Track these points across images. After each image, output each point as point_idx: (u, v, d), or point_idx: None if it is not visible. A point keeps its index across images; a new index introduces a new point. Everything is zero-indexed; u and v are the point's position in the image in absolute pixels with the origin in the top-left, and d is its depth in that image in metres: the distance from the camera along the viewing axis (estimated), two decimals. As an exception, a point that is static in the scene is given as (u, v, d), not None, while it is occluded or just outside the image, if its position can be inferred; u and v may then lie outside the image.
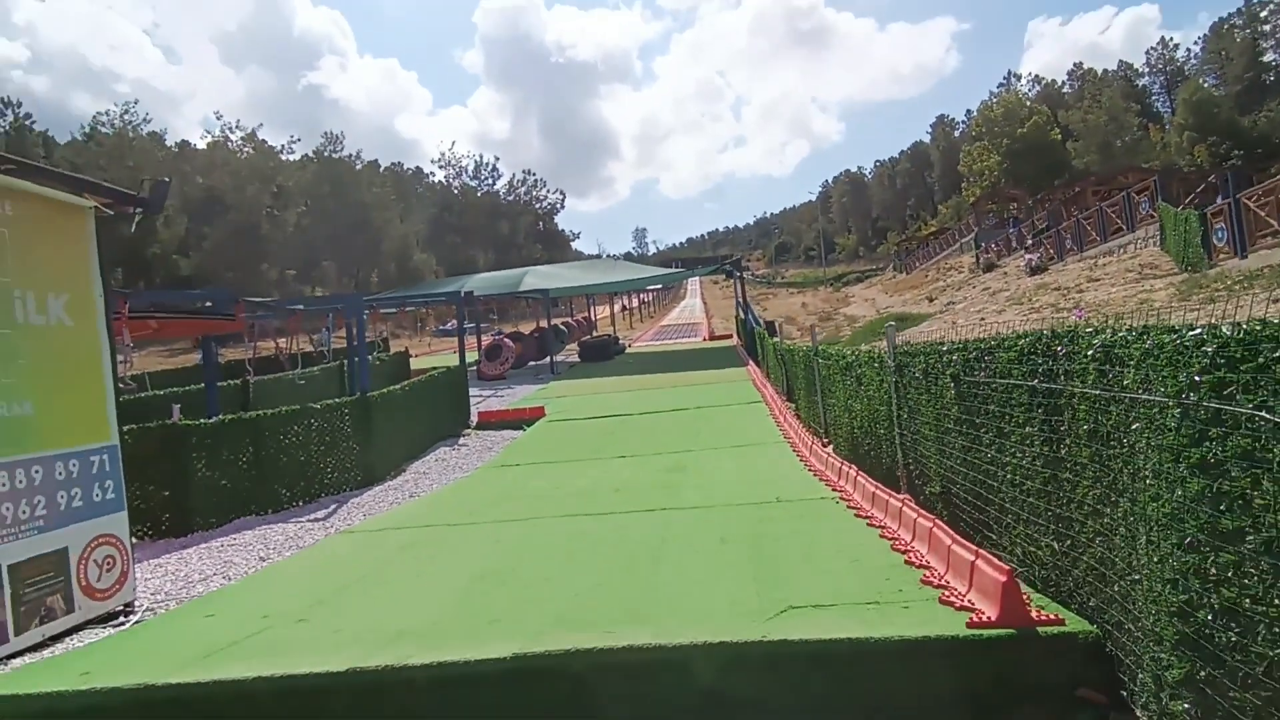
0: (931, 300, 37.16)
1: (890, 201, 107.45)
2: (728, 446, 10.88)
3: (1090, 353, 3.21)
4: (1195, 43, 79.39)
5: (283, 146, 79.46)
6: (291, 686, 3.35)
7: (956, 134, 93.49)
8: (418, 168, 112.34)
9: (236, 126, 76.75)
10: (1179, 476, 2.48)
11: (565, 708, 3.15)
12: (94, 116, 79.58)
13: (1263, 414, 2.11)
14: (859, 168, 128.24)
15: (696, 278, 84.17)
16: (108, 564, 6.25)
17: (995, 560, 3.45)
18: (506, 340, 25.88)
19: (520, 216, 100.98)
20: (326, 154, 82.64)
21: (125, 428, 10.36)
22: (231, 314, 11.03)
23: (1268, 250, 16.10)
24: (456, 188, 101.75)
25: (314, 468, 10.79)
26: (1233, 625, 2.23)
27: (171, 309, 11.39)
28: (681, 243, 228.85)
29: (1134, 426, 2.85)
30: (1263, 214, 16.38)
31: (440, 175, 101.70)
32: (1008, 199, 56.76)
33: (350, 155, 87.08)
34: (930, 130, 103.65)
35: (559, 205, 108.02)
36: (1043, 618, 3.08)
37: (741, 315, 28.95)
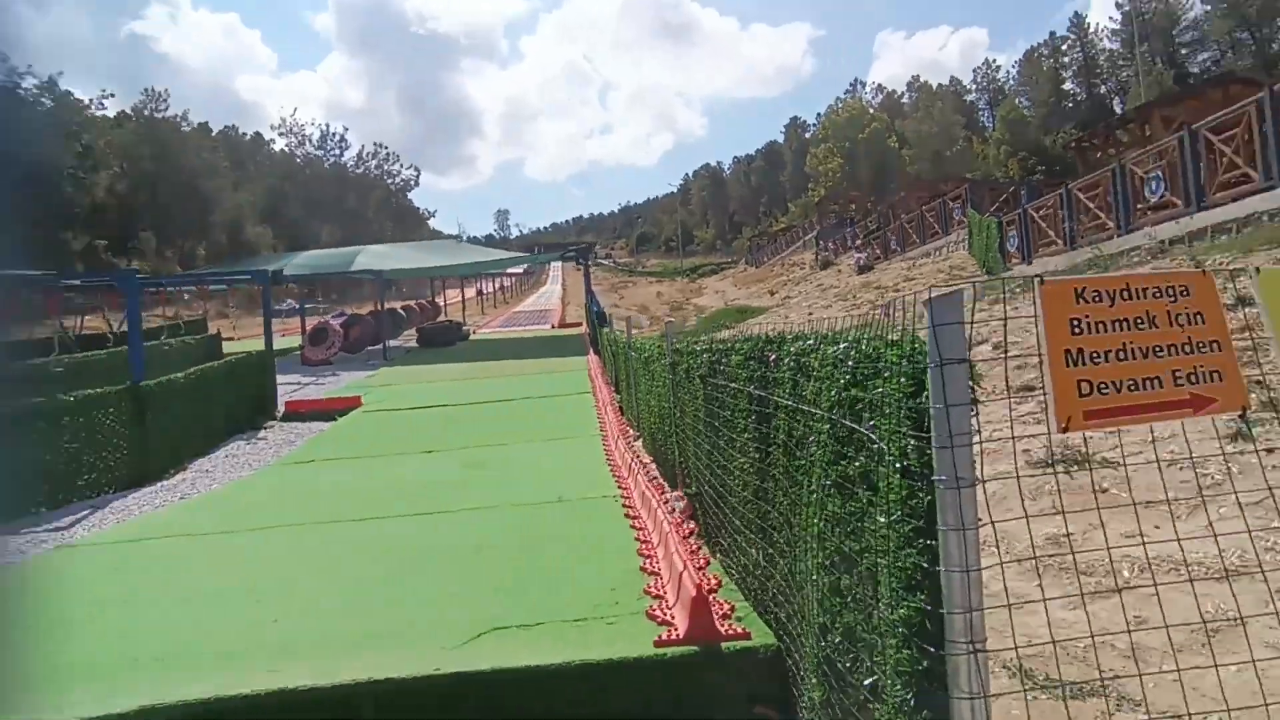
0: (773, 294, 38.85)
1: (746, 197, 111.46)
2: (541, 440, 10.61)
3: (787, 361, 3.16)
4: (1013, 65, 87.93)
5: (92, 101, 70.63)
6: None
7: (807, 135, 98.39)
8: (257, 133, 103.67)
9: (29, 71, 67.22)
10: (826, 495, 2.43)
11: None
12: None
13: (869, 432, 2.06)
14: (719, 163, 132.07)
15: (558, 264, 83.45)
16: None
17: (695, 571, 3.37)
18: (332, 323, 24.28)
19: (371, 191, 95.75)
20: (147, 112, 74.41)
21: None
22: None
23: (1048, 257, 17.85)
24: (299, 157, 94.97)
25: (66, 469, 9.47)
26: (849, 650, 2.18)
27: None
28: (546, 227, 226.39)
29: (809, 440, 2.80)
30: (1044, 225, 18.17)
31: (281, 144, 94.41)
32: (849, 200, 60.29)
33: (176, 115, 78.94)
34: (784, 131, 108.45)
35: (413, 181, 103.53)
36: (730, 632, 3.01)
37: (588, 304, 28.81)
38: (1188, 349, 1.65)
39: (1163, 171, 13.41)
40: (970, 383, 1.54)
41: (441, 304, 48.36)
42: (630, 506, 5.99)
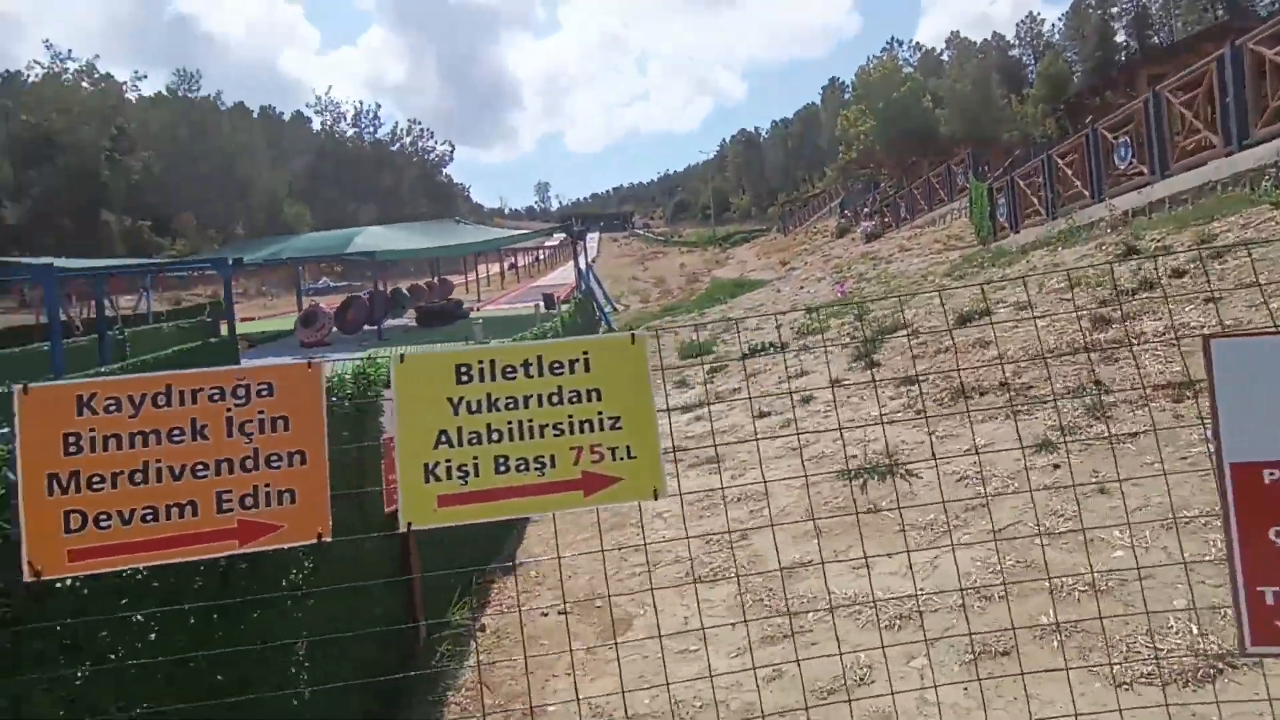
0: (784, 264, 37.90)
1: (783, 163, 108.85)
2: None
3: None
4: (1059, 19, 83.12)
5: (127, 82, 72.68)
6: None
7: (846, 97, 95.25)
8: (297, 112, 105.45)
9: (69, 57, 69.42)
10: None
11: None
12: (-104, 41, 70.43)
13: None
14: (756, 128, 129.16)
15: (595, 235, 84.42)
16: None
17: None
18: (322, 306, 24.64)
19: (405, 168, 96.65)
20: (181, 93, 76.17)
21: None
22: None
23: (1033, 227, 16.85)
24: (338, 134, 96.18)
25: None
26: None
27: None
28: (586, 198, 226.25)
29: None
30: (1029, 193, 17.12)
31: (317, 122, 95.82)
32: (878, 164, 58.27)
33: (211, 95, 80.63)
34: (821, 92, 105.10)
35: (448, 157, 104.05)
36: None
37: (581, 284, 28.56)
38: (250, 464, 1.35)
39: (1129, 137, 12.41)
40: None
41: (469, 280, 48.77)
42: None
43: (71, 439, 1.30)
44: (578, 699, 2.97)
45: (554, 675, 3.34)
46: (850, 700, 2.70)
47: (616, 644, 3.36)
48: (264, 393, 1.38)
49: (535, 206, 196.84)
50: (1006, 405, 6.02)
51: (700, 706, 3.02)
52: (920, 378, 7.05)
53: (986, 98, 65.81)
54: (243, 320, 29.62)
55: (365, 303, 27.40)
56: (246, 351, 20.88)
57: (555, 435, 1.46)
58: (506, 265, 64.93)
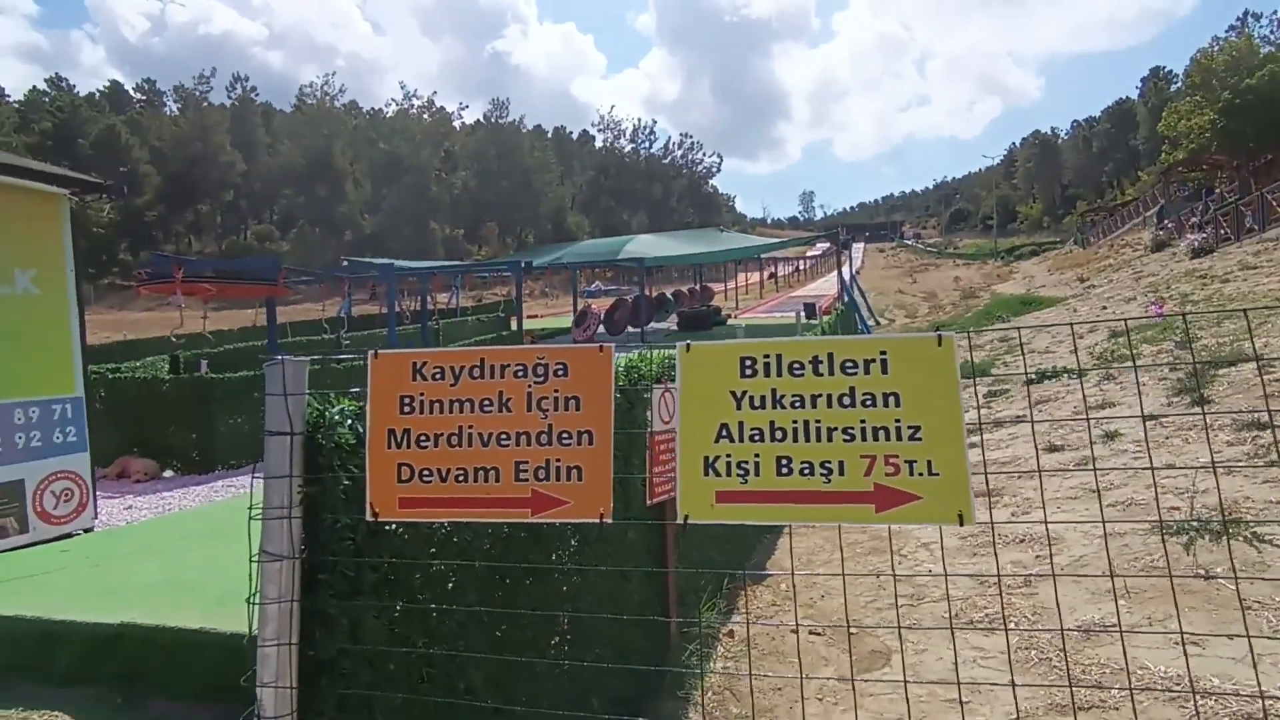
0: (1082, 281, 33.21)
1: (1085, 167, 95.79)
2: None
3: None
4: None
5: (454, 112, 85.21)
6: (24, 628, 3.76)
7: (1173, 89, 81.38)
8: (584, 131, 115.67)
9: (415, 94, 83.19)
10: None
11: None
12: (299, 89, 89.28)
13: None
14: (1053, 129, 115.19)
15: (860, 245, 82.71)
16: (65, 495, 7.49)
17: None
18: (593, 307, 26.65)
19: (674, 180, 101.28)
20: (493, 120, 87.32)
21: (166, 377, 12.08)
22: (274, 279, 12.36)
23: None
24: (617, 150, 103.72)
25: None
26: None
27: (233, 275, 12.94)
28: (852, 207, 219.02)
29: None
30: None
31: (600, 139, 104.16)
32: (1216, 166, 48.84)
33: (516, 120, 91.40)
34: (1140, 85, 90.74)
35: (715, 168, 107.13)
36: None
37: (844, 295, 27.62)
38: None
39: None
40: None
41: (728, 287, 49.78)
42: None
43: (406, 400, 1.48)
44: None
45: (805, 698, 3.20)
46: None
47: (873, 679, 3.12)
48: (560, 372, 1.46)
49: (799, 216, 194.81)
50: None
51: (968, 766, 2.69)
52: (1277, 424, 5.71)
53: (1387, 78, 51.98)
54: (528, 318, 33.17)
55: (631, 306, 29.13)
56: (529, 345, 23.47)
57: (845, 440, 1.35)
58: (766, 274, 65.04)
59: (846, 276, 29.54)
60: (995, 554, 4.42)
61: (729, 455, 1.39)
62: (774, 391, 1.39)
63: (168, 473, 10.74)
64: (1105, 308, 20.44)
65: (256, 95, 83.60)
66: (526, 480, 1.44)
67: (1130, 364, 9.57)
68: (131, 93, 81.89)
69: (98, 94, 78.06)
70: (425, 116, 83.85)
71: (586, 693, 2.93)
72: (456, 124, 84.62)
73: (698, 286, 40.76)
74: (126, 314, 48.25)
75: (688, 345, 1.50)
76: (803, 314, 26.22)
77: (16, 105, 69.99)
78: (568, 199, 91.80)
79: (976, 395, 9.27)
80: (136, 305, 47.10)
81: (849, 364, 1.36)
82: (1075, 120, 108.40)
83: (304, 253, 63.94)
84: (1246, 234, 25.32)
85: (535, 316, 42.70)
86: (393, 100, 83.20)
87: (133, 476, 10.34)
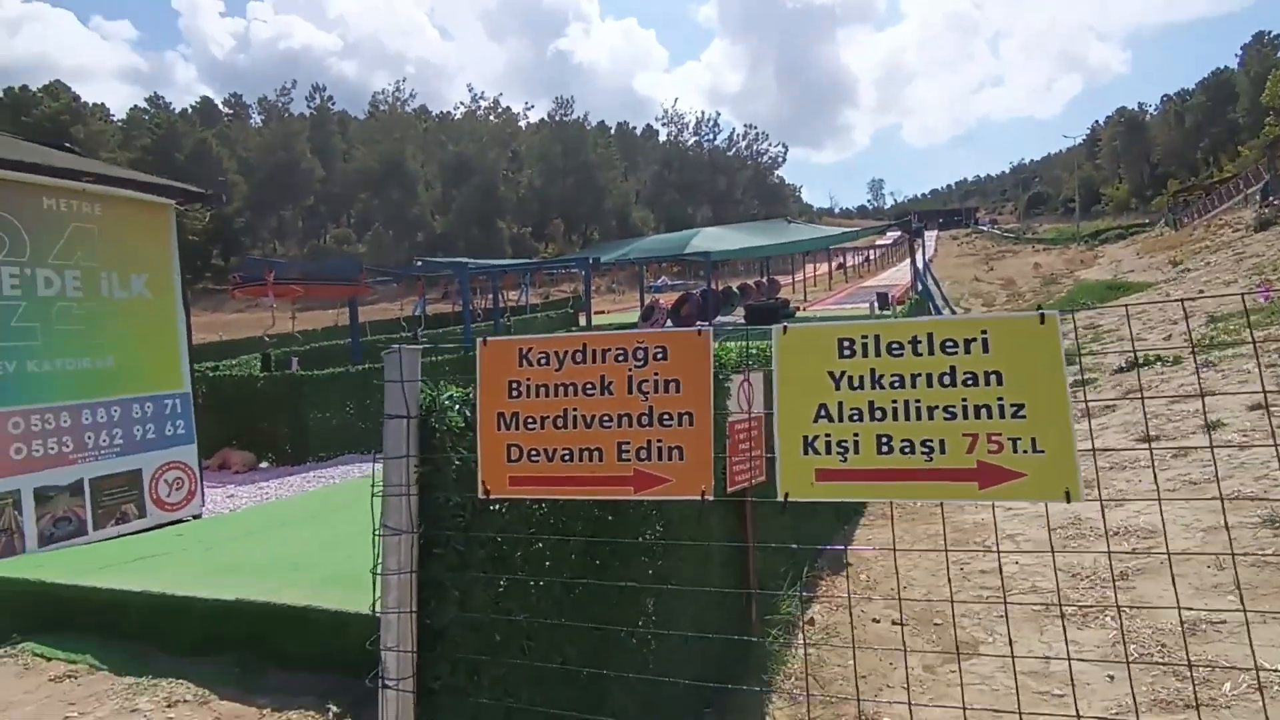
0: (1175, 264, 31.34)
1: (1177, 144, 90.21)
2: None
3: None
4: None
5: (520, 112, 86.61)
6: (151, 603, 4.15)
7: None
8: (647, 125, 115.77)
9: (482, 96, 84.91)
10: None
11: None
12: (373, 96, 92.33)
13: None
14: (1140, 105, 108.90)
15: (933, 233, 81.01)
16: (177, 484, 8.05)
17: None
18: (660, 302, 26.69)
19: (739, 171, 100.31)
20: (557, 118, 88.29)
21: (260, 375, 12.75)
22: (357, 280, 12.90)
23: None
24: (681, 143, 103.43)
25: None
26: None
27: (319, 277, 13.57)
28: (924, 194, 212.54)
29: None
30: None
31: (663, 133, 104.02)
32: (1328, 136, 45.28)
33: (579, 117, 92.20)
34: (1240, 54, 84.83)
35: (780, 159, 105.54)
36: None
37: (917, 284, 26.90)
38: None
39: None
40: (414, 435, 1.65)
41: (796, 279, 49.04)
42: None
43: (514, 385, 1.57)
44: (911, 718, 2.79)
45: (888, 686, 3.18)
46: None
47: (961, 668, 3.08)
48: (659, 356, 1.52)
49: (868, 204, 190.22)
50: None
51: (1063, 758, 2.63)
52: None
53: None
54: (596, 313, 33.51)
55: (698, 300, 29.06)
56: (628, 330, 23.94)
57: (946, 419, 1.36)
58: (835, 265, 63.76)
59: (920, 265, 28.71)
60: (1106, 537, 4.27)
61: (828, 434, 1.42)
62: (873, 371, 1.41)
63: (264, 464, 11.36)
64: (1201, 291, 19.27)
65: (333, 104, 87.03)
66: (629, 460, 1.50)
67: (1249, 342, 9.02)
68: (221, 107, 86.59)
69: (190, 109, 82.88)
70: (492, 118, 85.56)
71: (669, 674, 3.00)
72: (522, 124, 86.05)
73: (764, 279, 40.31)
74: (220, 315, 51.11)
75: (784, 328, 1.54)
76: (876, 305, 25.68)
77: (120, 124, 74.97)
78: (632, 194, 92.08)
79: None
80: (229, 307, 49.76)
81: (949, 343, 1.38)
82: (1165, 94, 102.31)
83: (379, 254, 66.28)
84: (1364, 209, 23.41)
85: (602, 312, 43.10)
86: (460, 103, 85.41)
87: (233, 468, 10.97)
